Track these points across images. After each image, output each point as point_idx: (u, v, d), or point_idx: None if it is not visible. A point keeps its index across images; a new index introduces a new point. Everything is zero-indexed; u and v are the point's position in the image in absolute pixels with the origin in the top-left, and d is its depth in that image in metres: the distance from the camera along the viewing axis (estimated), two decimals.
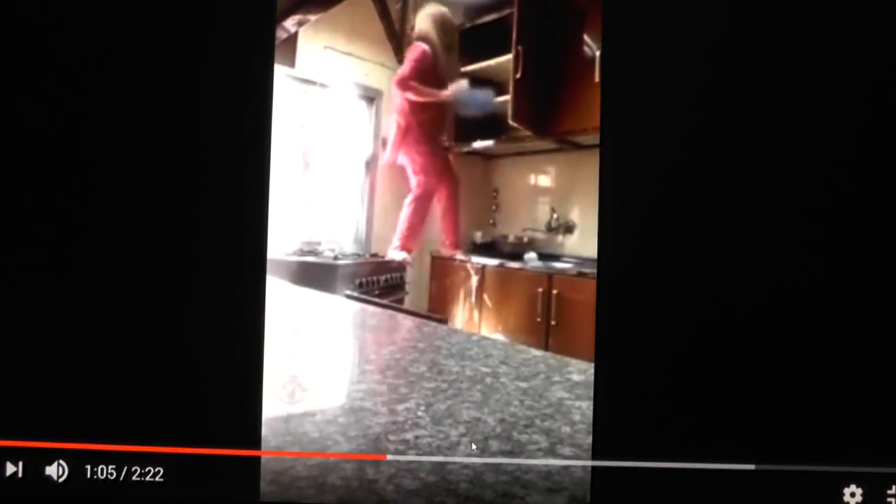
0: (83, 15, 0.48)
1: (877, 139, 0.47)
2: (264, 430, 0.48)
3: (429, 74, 0.50)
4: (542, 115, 0.49)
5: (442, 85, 0.49)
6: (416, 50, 0.50)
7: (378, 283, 0.50)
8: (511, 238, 0.48)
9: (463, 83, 0.49)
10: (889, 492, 0.47)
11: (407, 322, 0.49)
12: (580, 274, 0.48)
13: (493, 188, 0.49)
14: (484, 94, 0.49)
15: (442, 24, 0.49)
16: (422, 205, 0.50)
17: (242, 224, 0.48)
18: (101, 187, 0.48)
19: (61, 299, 0.48)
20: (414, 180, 0.50)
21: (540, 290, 0.49)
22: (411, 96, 0.50)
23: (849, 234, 0.47)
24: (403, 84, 0.50)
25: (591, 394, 0.48)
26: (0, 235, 0.48)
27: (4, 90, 0.48)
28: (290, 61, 0.49)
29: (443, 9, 0.49)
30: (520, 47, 0.48)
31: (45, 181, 0.48)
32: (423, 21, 0.49)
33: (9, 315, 0.48)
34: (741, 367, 0.47)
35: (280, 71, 0.48)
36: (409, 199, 0.50)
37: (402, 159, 0.50)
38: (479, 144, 0.49)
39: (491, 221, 0.49)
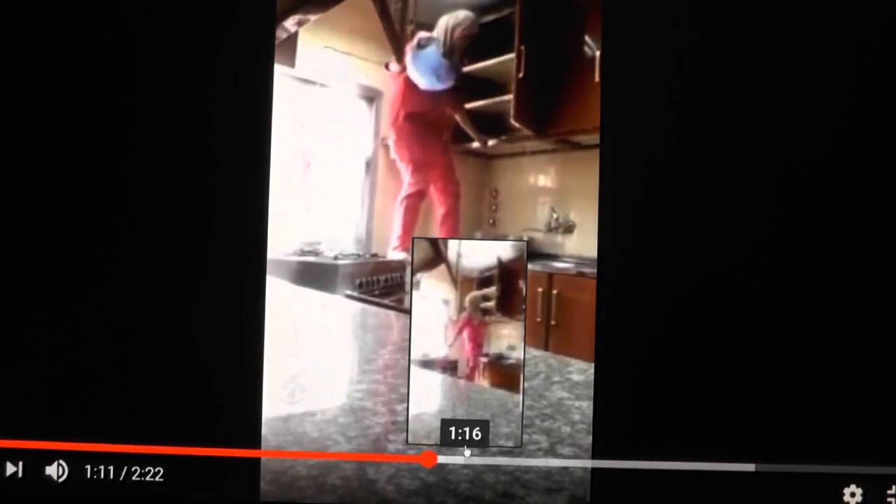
0: (80, 14, 0.48)
1: (871, 147, 0.47)
2: (264, 430, 0.48)
3: None
4: (544, 114, 0.49)
5: None
6: None
7: (378, 283, 0.50)
8: (511, 238, 0.48)
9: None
10: (889, 492, 0.47)
11: (407, 322, 0.49)
12: (580, 274, 0.48)
13: (493, 188, 0.49)
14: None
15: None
16: (414, 203, 0.50)
17: (243, 224, 0.48)
18: (99, 187, 0.48)
19: (60, 300, 0.48)
20: (407, 177, 0.50)
21: (540, 290, 0.49)
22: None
23: (849, 237, 0.47)
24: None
25: (591, 394, 0.48)
26: (1, 235, 0.48)
27: (10, 93, 0.48)
28: (290, 61, 0.49)
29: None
30: (522, 47, 0.48)
31: (45, 180, 0.48)
32: None
33: (9, 315, 0.48)
34: (741, 368, 0.47)
35: (280, 71, 0.48)
36: (400, 197, 0.50)
37: (395, 153, 0.50)
38: (478, 144, 0.49)
39: (491, 221, 0.49)
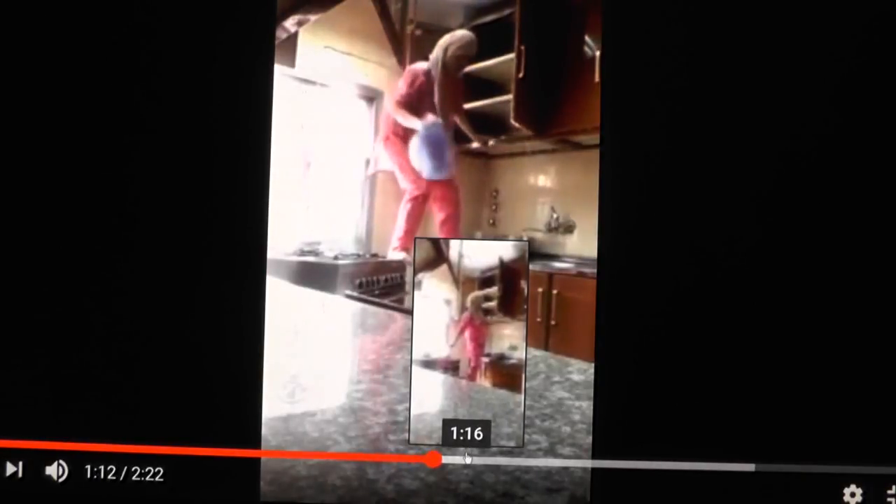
0: (81, 14, 0.48)
1: (871, 147, 0.47)
2: (264, 430, 0.48)
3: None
4: (544, 115, 0.49)
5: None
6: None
7: (378, 283, 0.50)
8: (511, 238, 0.48)
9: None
10: (889, 492, 0.47)
11: (407, 322, 0.49)
12: (580, 274, 0.48)
13: (493, 188, 0.49)
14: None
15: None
16: (418, 204, 0.50)
17: (243, 224, 0.48)
18: (99, 187, 0.48)
19: (60, 299, 0.48)
20: (407, 185, 0.50)
21: (540, 290, 0.49)
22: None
23: (848, 237, 0.47)
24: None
25: (591, 394, 0.48)
26: (0, 234, 0.48)
27: (10, 94, 0.48)
28: (290, 61, 0.49)
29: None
30: (522, 47, 0.48)
31: (46, 180, 0.48)
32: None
33: (10, 315, 0.48)
34: (741, 368, 0.47)
35: (280, 71, 0.48)
36: (405, 198, 0.50)
37: (389, 163, 0.50)
38: (478, 144, 0.49)
39: (491, 221, 0.49)
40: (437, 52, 0.49)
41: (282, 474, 0.48)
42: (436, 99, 0.49)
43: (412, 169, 0.50)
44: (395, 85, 0.50)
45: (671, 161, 0.47)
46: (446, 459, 0.48)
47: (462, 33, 0.49)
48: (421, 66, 0.49)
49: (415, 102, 0.50)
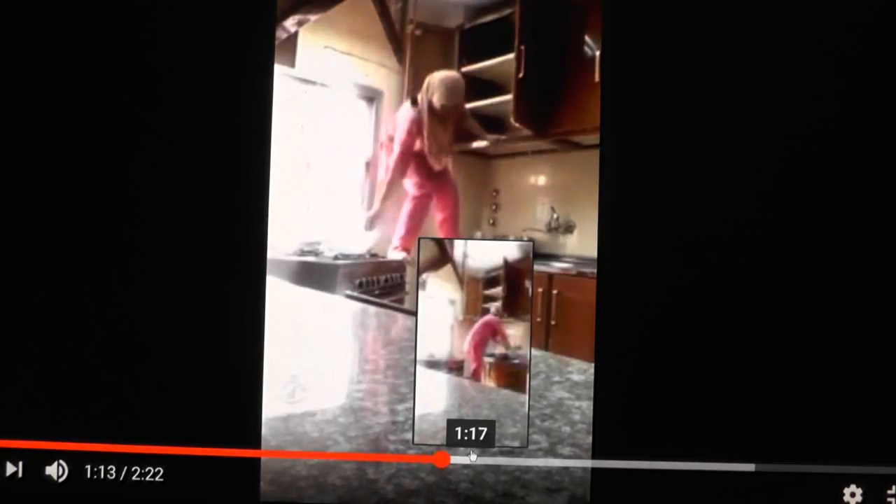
0: (80, 15, 0.48)
1: (869, 145, 0.47)
2: (264, 430, 0.48)
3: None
4: (544, 115, 0.49)
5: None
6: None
7: (378, 283, 0.50)
8: (511, 238, 0.48)
9: None
10: (889, 492, 0.47)
11: (407, 322, 0.49)
12: (580, 274, 0.48)
13: (493, 188, 0.49)
14: None
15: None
16: (421, 205, 0.50)
17: (243, 224, 0.48)
18: (99, 187, 0.48)
19: (60, 299, 0.48)
20: (409, 187, 0.50)
21: (540, 290, 0.49)
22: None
23: (848, 237, 0.47)
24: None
25: (591, 394, 0.48)
26: (1, 234, 0.48)
27: (11, 95, 0.48)
28: (290, 61, 0.48)
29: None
30: (522, 47, 0.48)
31: (46, 180, 0.48)
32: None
33: (10, 315, 0.48)
34: (741, 368, 0.47)
35: (280, 71, 0.48)
36: (407, 198, 0.50)
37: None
38: (478, 144, 0.49)
39: (491, 221, 0.49)
40: (422, 96, 0.49)
41: (282, 474, 0.48)
42: (425, 143, 0.50)
43: (416, 170, 0.50)
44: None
45: (671, 161, 0.47)
46: (455, 460, 0.48)
47: (443, 76, 0.49)
48: (411, 113, 0.49)
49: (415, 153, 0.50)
